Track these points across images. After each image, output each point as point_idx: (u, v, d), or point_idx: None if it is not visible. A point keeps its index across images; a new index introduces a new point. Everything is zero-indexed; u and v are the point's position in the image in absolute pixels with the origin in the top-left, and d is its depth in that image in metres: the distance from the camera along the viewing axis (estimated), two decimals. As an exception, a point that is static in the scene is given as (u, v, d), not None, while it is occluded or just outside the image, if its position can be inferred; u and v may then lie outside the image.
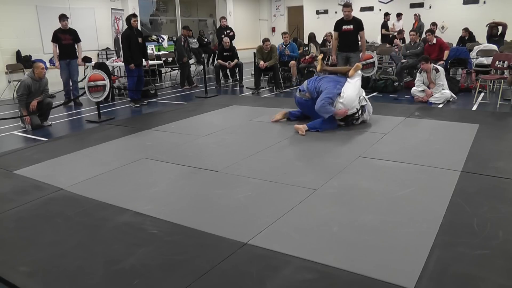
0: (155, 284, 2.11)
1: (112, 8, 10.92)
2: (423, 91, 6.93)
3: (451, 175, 3.38)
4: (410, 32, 8.75)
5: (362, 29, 7.14)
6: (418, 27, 11.17)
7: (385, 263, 2.20)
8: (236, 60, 9.64)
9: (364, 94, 5.22)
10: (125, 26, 7.70)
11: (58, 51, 7.65)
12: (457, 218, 2.66)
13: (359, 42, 7.49)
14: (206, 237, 2.56)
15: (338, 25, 7.14)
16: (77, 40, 7.88)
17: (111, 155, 4.39)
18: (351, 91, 4.97)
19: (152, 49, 10.88)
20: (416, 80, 7.15)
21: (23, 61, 9.02)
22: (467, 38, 10.43)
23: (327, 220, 2.71)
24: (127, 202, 3.12)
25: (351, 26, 6.99)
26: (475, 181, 3.25)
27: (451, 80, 7.51)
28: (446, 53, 7.96)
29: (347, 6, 7.11)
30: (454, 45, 9.82)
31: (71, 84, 7.91)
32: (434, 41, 8.04)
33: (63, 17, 7.70)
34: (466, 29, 10.50)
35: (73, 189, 3.44)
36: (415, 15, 12.06)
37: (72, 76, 7.88)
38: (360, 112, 5.05)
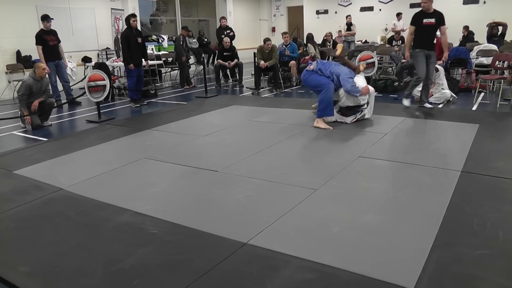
0: (155, 284, 2.11)
1: (112, 8, 10.93)
2: (423, 91, 6.93)
3: (451, 175, 3.38)
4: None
5: (444, 23, 6.00)
6: None
7: (385, 263, 2.20)
8: (236, 60, 9.64)
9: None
10: (125, 26, 7.69)
11: (42, 53, 7.47)
12: (457, 218, 2.66)
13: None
14: (206, 237, 2.56)
15: (417, 18, 6.01)
16: (59, 40, 7.77)
17: (111, 155, 4.39)
18: (362, 83, 5.31)
19: (152, 49, 10.87)
20: (416, 80, 7.14)
21: (23, 61, 9.02)
22: (466, 36, 10.46)
23: (327, 220, 2.71)
24: (127, 202, 3.12)
25: (432, 20, 5.87)
26: (475, 181, 3.25)
27: (451, 80, 7.51)
28: (445, 55, 7.97)
29: None
30: (454, 45, 9.82)
31: (62, 85, 7.86)
32: (435, 41, 8.02)
33: (47, 18, 7.54)
34: (466, 27, 10.54)
35: (73, 189, 3.44)
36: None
37: (63, 77, 7.84)
38: (366, 105, 5.36)
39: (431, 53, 5.98)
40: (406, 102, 6.14)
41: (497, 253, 2.25)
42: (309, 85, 5.49)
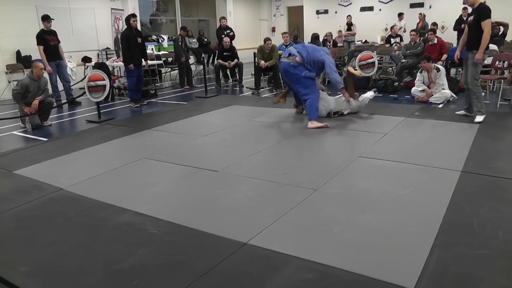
0: (155, 284, 2.11)
1: (112, 8, 10.92)
2: (423, 91, 6.93)
3: (451, 175, 3.38)
4: (410, 32, 8.74)
5: (484, 18, 4.97)
6: (422, 27, 11.15)
7: (385, 263, 2.20)
8: (236, 60, 9.63)
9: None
10: (125, 26, 7.69)
11: (44, 53, 7.49)
12: (457, 218, 2.66)
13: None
14: (206, 237, 2.56)
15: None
16: (59, 41, 7.77)
17: (111, 155, 4.39)
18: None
19: (152, 49, 10.87)
20: (416, 80, 7.15)
21: (23, 61, 9.01)
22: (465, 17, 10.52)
23: (327, 220, 2.71)
24: (127, 202, 3.12)
25: (471, 17, 5.18)
26: (475, 181, 3.25)
27: (451, 80, 7.51)
28: (444, 56, 8.00)
29: None
30: (454, 45, 9.81)
31: (63, 85, 7.87)
32: (435, 41, 8.05)
33: (47, 18, 7.55)
34: (465, 9, 10.62)
35: (73, 189, 3.44)
36: (420, 14, 12.01)
37: (64, 77, 7.85)
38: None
39: (468, 54, 5.29)
40: (478, 118, 5.22)
41: (497, 253, 2.25)
42: (290, 80, 5.42)
